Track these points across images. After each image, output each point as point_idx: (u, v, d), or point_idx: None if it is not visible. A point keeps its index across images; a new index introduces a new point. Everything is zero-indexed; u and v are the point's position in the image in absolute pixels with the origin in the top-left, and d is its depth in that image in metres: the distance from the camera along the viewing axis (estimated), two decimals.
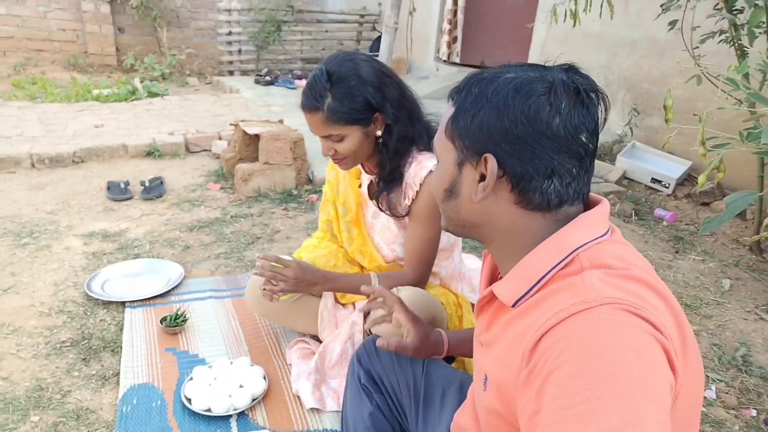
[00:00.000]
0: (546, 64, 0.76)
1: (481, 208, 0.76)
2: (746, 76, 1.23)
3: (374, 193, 1.51)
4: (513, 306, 0.75)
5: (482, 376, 0.81)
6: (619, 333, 0.60)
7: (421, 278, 1.51)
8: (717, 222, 1.14)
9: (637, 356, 0.58)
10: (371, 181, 1.54)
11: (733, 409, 1.60)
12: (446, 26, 5.59)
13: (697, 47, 2.49)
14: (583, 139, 0.71)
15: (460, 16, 5.51)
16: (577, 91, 0.71)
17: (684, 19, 2.49)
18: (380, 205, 1.48)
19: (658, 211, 3.04)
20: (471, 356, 1.19)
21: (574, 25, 2.80)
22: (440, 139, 0.80)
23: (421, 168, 1.40)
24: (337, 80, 1.33)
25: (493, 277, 0.92)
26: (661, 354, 0.61)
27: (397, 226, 1.54)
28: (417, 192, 1.41)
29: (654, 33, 3.63)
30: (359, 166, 1.54)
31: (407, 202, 1.45)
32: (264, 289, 1.47)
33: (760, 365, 1.78)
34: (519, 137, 0.70)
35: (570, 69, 0.74)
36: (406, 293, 1.41)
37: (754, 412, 1.58)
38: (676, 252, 2.61)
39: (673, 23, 2.60)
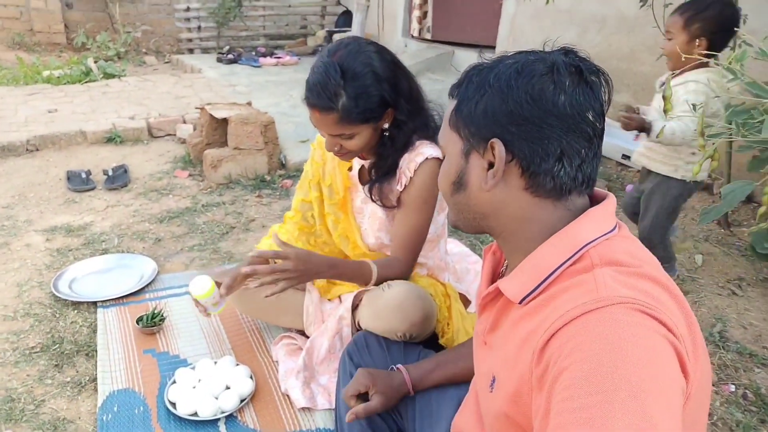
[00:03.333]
0: (544, 49, 0.75)
1: (491, 196, 0.74)
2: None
3: (366, 182, 1.46)
4: (520, 303, 0.73)
5: (489, 378, 0.79)
6: (632, 335, 0.58)
7: (410, 265, 1.48)
8: (715, 213, 1.16)
9: (650, 360, 0.57)
10: (362, 166, 1.48)
11: (713, 385, 1.65)
12: (417, 1, 5.47)
13: None
14: (590, 117, 0.70)
15: None
16: (579, 71, 0.70)
17: None
18: (372, 195, 1.43)
19: (630, 188, 3.09)
20: (439, 384, 1.17)
21: (548, 2, 2.76)
22: (445, 133, 0.79)
23: (417, 154, 1.35)
24: (351, 77, 1.23)
25: (495, 273, 0.90)
26: (674, 358, 0.60)
27: (383, 213, 1.50)
28: (410, 178, 1.37)
29: (623, 9, 3.64)
30: None
31: (399, 188, 1.41)
32: (257, 286, 1.36)
33: (735, 340, 1.84)
34: (525, 118, 0.69)
35: (569, 52, 0.73)
36: (399, 288, 1.37)
37: (732, 387, 1.64)
38: None
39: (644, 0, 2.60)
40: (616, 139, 3.54)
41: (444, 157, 0.81)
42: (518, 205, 0.73)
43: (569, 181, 0.71)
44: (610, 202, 0.75)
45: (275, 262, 1.35)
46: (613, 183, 3.18)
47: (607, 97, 0.72)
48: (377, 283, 1.43)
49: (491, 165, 0.72)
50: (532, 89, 0.69)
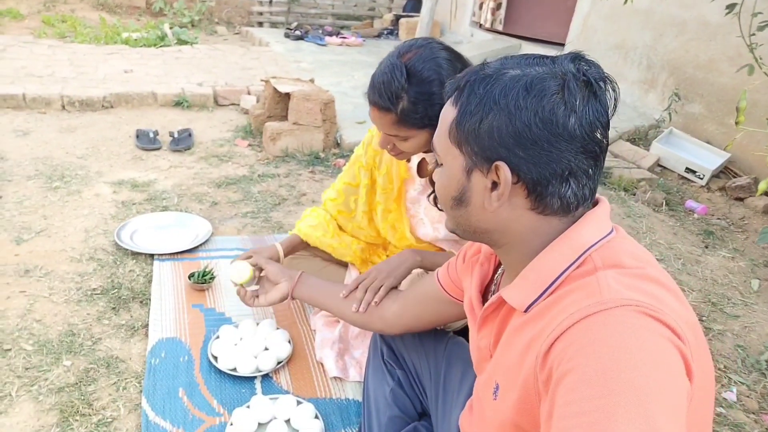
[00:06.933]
0: (551, 55, 0.71)
1: (495, 216, 0.72)
2: None
3: (426, 175, 1.48)
4: (525, 311, 0.72)
5: (492, 385, 0.79)
6: (636, 338, 0.57)
7: None
8: None
9: (655, 363, 0.56)
10: (423, 159, 1.48)
11: (754, 413, 1.60)
12: None
13: (754, 34, 2.37)
14: (599, 136, 0.68)
15: None
16: (588, 83, 0.67)
17: (744, 2, 2.36)
18: (438, 206, 1.43)
19: (690, 203, 2.98)
20: (314, 303, 1.45)
21: (626, 2, 2.66)
22: (443, 143, 0.75)
23: None
24: (416, 82, 1.20)
25: (482, 285, 0.90)
26: (679, 361, 0.59)
27: None
28: None
29: (706, 14, 3.47)
30: None
31: None
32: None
33: None
34: (534, 141, 0.66)
35: (577, 58, 0.69)
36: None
37: None
38: (706, 247, 2.56)
39: (731, 7, 2.47)
40: (681, 152, 3.41)
41: (441, 164, 0.77)
42: (523, 223, 0.72)
43: (576, 200, 0.70)
44: (605, 206, 0.74)
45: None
46: (673, 196, 3.06)
47: (613, 105, 0.69)
48: None
49: (494, 184, 0.70)
50: (542, 111, 0.65)
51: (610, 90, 0.68)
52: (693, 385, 0.60)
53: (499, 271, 0.90)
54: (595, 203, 0.74)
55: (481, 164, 0.70)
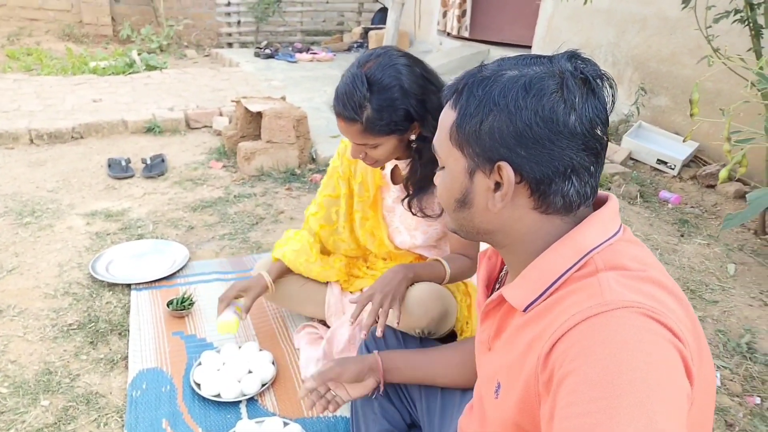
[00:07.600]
0: (545, 54, 0.72)
1: (498, 216, 0.72)
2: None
3: (399, 182, 1.48)
4: (524, 311, 0.72)
5: (493, 384, 0.79)
6: (638, 339, 0.58)
7: (477, 261, 1.49)
8: (739, 219, 1.13)
9: (656, 365, 0.56)
10: (396, 166, 1.50)
11: (738, 396, 1.62)
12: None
13: (710, 26, 2.43)
14: (599, 132, 0.68)
15: None
16: (586, 81, 0.67)
17: None
18: (411, 210, 1.44)
19: (663, 193, 3.02)
20: (410, 381, 1.22)
21: (586, 2, 2.72)
22: (444, 146, 0.75)
23: None
24: (378, 90, 1.24)
25: (490, 279, 0.90)
26: (680, 363, 0.59)
27: (424, 219, 1.51)
28: None
29: (665, 10, 3.55)
30: None
31: None
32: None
33: (764, 352, 1.79)
34: (535, 140, 0.66)
35: (573, 56, 0.70)
36: (422, 287, 1.40)
37: (758, 400, 1.60)
38: (681, 235, 2.60)
39: (687, 1, 2.54)
40: (652, 144, 3.47)
41: (443, 167, 0.77)
42: (526, 223, 0.72)
43: (578, 198, 0.70)
44: (613, 204, 0.74)
45: None
46: (646, 188, 3.11)
47: (611, 102, 0.69)
48: (451, 281, 1.44)
49: (497, 185, 0.70)
50: (542, 110, 0.66)
51: (608, 87, 0.69)
52: (694, 388, 0.60)
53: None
54: (605, 200, 0.74)
55: (483, 165, 0.70)
